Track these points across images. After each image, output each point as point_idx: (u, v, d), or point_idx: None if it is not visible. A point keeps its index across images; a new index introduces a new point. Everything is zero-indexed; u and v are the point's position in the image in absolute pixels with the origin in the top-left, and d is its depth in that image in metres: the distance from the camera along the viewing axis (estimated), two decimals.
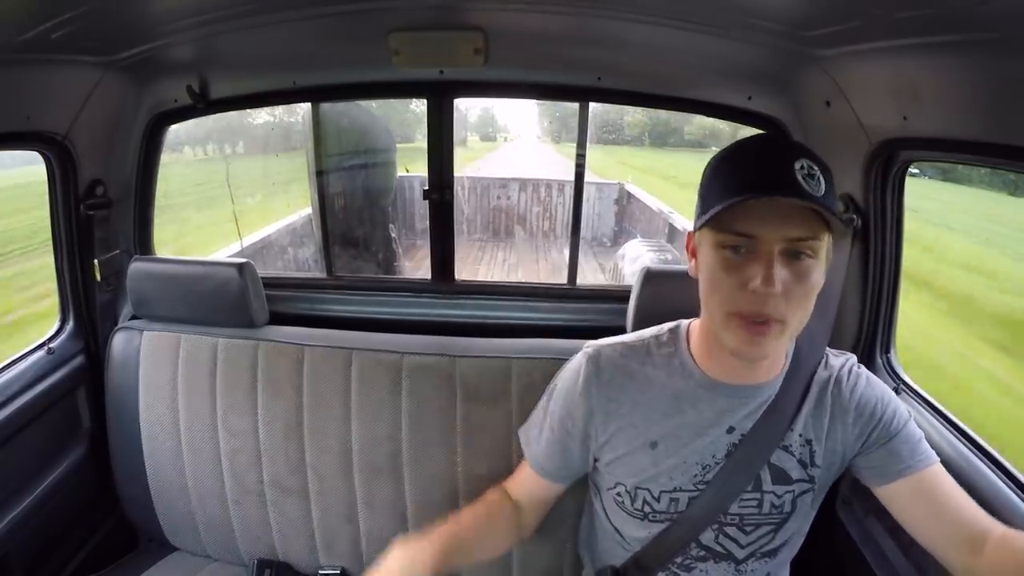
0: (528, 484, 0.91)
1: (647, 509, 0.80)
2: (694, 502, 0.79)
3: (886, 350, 1.12)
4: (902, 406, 0.79)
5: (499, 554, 0.93)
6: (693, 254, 0.75)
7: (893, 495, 0.76)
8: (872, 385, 0.80)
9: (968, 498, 0.74)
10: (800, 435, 0.78)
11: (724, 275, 0.67)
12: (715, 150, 0.81)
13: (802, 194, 0.63)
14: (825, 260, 0.69)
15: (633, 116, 11.79)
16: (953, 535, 0.71)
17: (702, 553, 0.81)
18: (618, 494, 0.82)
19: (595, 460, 0.85)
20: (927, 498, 0.74)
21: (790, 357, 0.80)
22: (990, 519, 0.71)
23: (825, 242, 0.67)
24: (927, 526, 0.74)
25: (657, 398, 0.79)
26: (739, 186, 0.65)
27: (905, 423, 0.77)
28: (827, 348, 0.84)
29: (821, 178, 0.65)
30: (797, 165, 0.64)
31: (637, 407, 0.80)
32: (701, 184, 0.72)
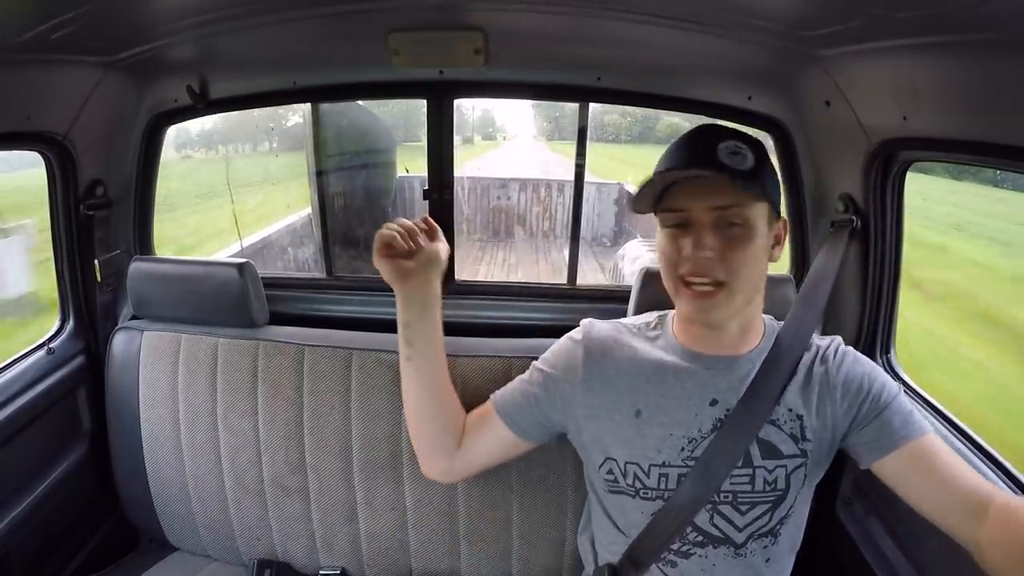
0: (481, 410, 0.92)
1: (638, 485, 0.81)
2: (684, 479, 0.79)
3: (886, 350, 1.12)
4: (890, 380, 0.81)
5: (425, 422, 0.90)
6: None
7: (891, 469, 0.76)
8: (859, 362, 0.82)
9: (968, 467, 0.73)
10: (789, 410, 0.80)
11: (669, 248, 0.77)
12: None
13: (721, 167, 0.70)
14: (768, 231, 0.76)
15: (612, 116, 13.53)
16: (958, 505, 0.71)
17: (699, 538, 0.81)
18: (609, 471, 0.83)
19: (571, 431, 0.87)
20: (925, 468, 0.74)
21: (771, 336, 0.83)
22: (991, 487, 0.71)
23: (760, 212, 0.74)
24: (930, 498, 0.73)
25: (641, 366, 0.84)
26: (665, 169, 0.74)
27: (895, 396, 0.78)
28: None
29: (749, 155, 0.73)
30: (722, 145, 0.73)
31: (621, 372, 0.84)
32: None
